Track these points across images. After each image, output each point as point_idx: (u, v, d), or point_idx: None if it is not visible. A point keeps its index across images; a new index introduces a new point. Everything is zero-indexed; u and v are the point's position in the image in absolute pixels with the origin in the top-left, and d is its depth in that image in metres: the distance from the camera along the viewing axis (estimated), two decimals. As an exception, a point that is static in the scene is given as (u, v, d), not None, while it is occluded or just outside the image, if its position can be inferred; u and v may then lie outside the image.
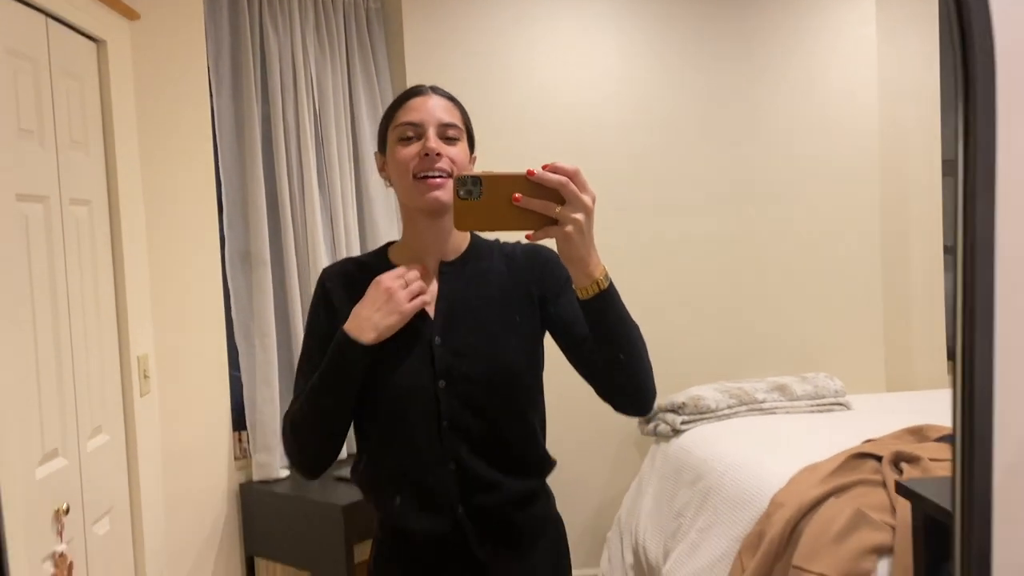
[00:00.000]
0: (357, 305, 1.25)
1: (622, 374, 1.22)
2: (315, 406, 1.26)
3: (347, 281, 1.33)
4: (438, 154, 1.25)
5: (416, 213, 1.30)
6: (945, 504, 1.31)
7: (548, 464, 1.37)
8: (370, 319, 1.22)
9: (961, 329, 0.60)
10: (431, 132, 1.25)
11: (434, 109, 1.27)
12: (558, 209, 1.08)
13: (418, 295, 1.25)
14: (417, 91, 1.31)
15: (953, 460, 0.58)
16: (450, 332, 1.28)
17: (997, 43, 0.54)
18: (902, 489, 1.48)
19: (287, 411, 1.32)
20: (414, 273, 1.25)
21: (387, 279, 1.24)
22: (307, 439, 1.29)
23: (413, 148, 1.26)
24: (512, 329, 1.30)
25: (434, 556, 1.30)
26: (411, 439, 1.27)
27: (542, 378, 1.36)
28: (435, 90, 1.32)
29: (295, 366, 2.60)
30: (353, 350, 1.22)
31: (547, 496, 1.38)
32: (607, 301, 1.16)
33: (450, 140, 1.27)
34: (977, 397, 0.59)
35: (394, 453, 1.29)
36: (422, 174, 1.25)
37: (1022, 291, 0.59)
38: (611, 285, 1.16)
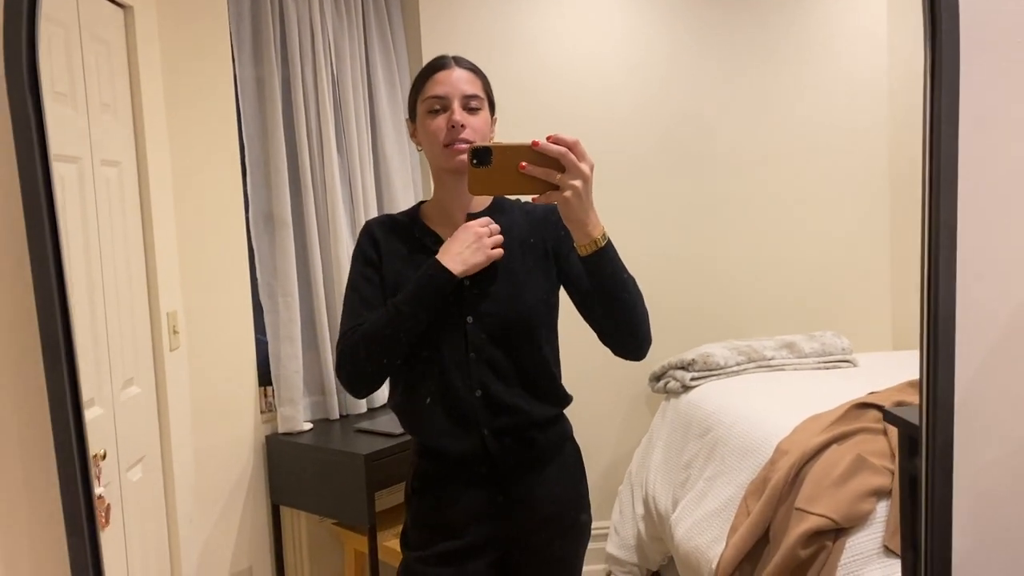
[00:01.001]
0: (447, 243, 1.40)
1: (618, 322, 1.39)
2: (397, 324, 1.38)
3: (389, 229, 1.51)
4: (462, 126, 1.40)
5: (444, 174, 1.46)
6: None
7: (564, 395, 1.54)
8: (461, 254, 1.38)
9: (928, 251, 0.66)
10: (456, 105, 1.41)
11: (458, 82, 1.42)
12: (559, 176, 1.21)
13: (497, 247, 1.41)
14: (442, 64, 1.45)
15: (921, 361, 0.65)
16: (477, 276, 1.43)
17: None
18: (888, 416, 1.55)
19: (348, 337, 1.43)
20: (496, 227, 1.42)
21: (476, 226, 1.40)
22: (378, 354, 1.41)
23: (440, 120, 1.41)
24: (530, 275, 1.46)
25: (464, 472, 1.47)
26: (443, 368, 1.44)
27: (556, 321, 1.52)
28: (458, 62, 1.46)
29: (316, 324, 2.72)
30: (444, 275, 1.37)
31: (565, 422, 1.56)
32: (604, 258, 1.31)
33: (473, 110, 1.42)
34: (941, 312, 0.65)
35: (428, 381, 1.45)
36: (449, 143, 1.40)
37: (982, 216, 0.65)
38: (608, 244, 1.31)
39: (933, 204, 0.64)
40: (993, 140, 0.74)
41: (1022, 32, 0.74)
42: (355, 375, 1.44)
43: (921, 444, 0.67)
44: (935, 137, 0.63)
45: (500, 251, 1.41)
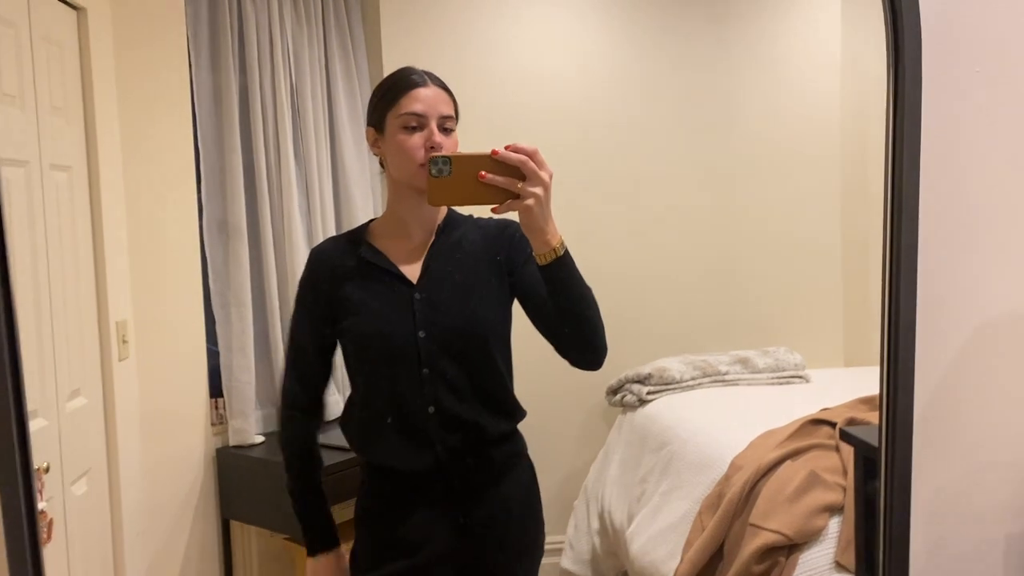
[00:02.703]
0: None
1: (576, 332, 1.38)
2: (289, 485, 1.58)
3: (332, 252, 1.51)
4: (440, 147, 1.38)
5: (408, 191, 1.44)
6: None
7: (518, 409, 1.53)
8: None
9: (889, 274, 0.67)
10: (433, 126, 1.40)
11: (437, 102, 1.41)
12: (519, 185, 1.21)
13: None
14: (420, 80, 1.43)
15: (881, 383, 0.66)
16: (428, 289, 1.43)
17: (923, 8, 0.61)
18: (844, 435, 1.57)
19: (284, 419, 1.58)
20: None
21: None
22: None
23: (417, 139, 1.39)
24: (483, 288, 1.45)
25: (417, 490, 1.45)
26: (395, 385, 1.42)
27: (510, 335, 1.51)
28: (433, 79, 1.45)
29: (270, 335, 2.68)
30: (310, 542, 1.55)
31: (519, 437, 1.55)
32: (563, 267, 1.30)
33: (447, 131, 1.41)
34: (902, 334, 0.66)
35: (380, 399, 1.44)
36: (425, 163, 1.37)
37: (942, 239, 0.66)
38: (567, 253, 1.30)
39: (895, 226, 0.65)
40: (953, 163, 0.75)
41: (980, 62, 0.76)
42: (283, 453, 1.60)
43: (880, 465, 0.68)
44: (897, 161, 0.63)
45: None
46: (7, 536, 1.01)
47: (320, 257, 1.51)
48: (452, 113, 1.43)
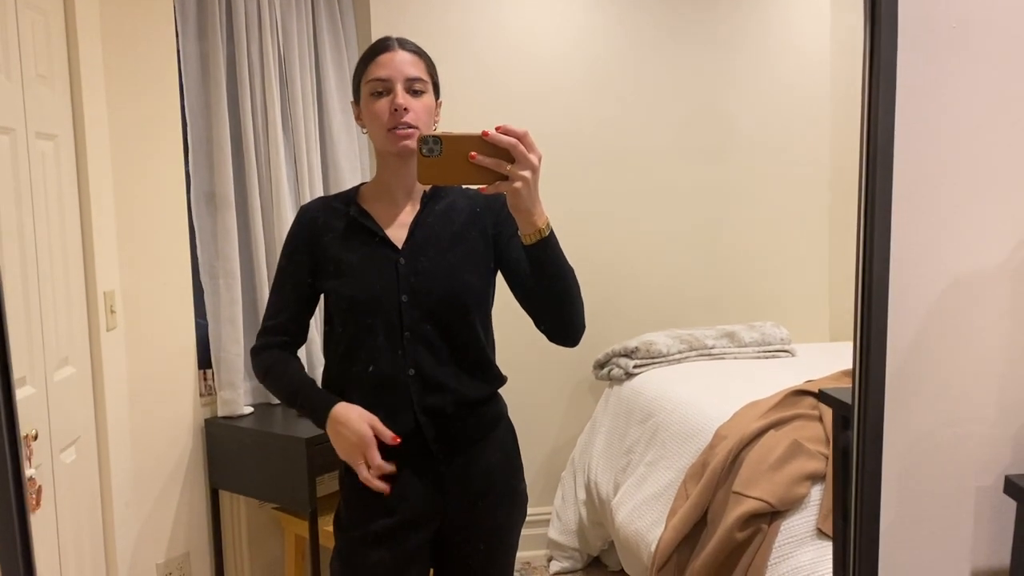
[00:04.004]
0: (351, 424, 1.43)
1: (555, 310, 1.41)
2: (288, 402, 1.55)
3: (324, 212, 1.53)
4: (405, 109, 1.41)
5: (389, 157, 1.48)
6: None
7: (498, 375, 1.56)
8: (339, 437, 1.45)
9: (863, 232, 0.68)
10: (399, 88, 1.42)
11: (401, 65, 1.43)
12: (509, 167, 1.22)
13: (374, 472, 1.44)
14: (385, 46, 1.46)
15: (855, 334, 0.67)
16: (413, 255, 1.46)
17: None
18: (823, 395, 1.59)
19: (259, 353, 1.56)
20: (377, 474, 1.43)
21: (366, 452, 1.43)
22: (276, 396, 1.62)
23: (383, 103, 1.43)
24: (467, 257, 1.48)
25: (397, 452, 1.46)
26: (376, 347, 1.45)
27: (491, 306, 1.54)
28: (402, 44, 1.47)
29: (258, 306, 2.68)
30: (319, 420, 1.48)
31: (499, 401, 1.58)
32: (547, 247, 1.33)
33: (416, 93, 1.44)
34: (875, 289, 0.67)
35: (361, 360, 1.46)
36: (392, 127, 1.42)
37: (917, 196, 0.67)
38: (552, 234, 1.33)
39: (869, 185, 0.66)
40: (929, 125, 0.76)
41: (956, 18, 0.77)
42: (263, 384, 1.60)
43: (853, 416, 0.69)
44: (872, 121, 0.64)
45: (376, 484, 1.43)
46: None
47: (308, 214, 1.54)
48: (421, 75, 1.45)
